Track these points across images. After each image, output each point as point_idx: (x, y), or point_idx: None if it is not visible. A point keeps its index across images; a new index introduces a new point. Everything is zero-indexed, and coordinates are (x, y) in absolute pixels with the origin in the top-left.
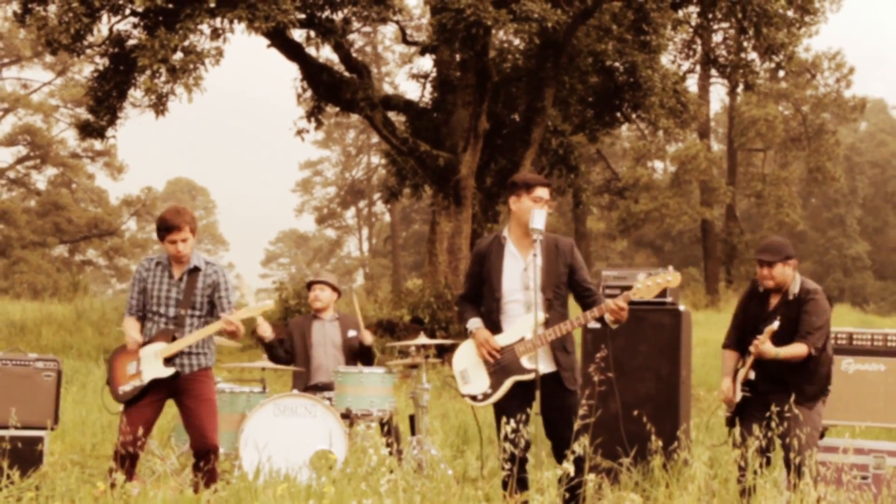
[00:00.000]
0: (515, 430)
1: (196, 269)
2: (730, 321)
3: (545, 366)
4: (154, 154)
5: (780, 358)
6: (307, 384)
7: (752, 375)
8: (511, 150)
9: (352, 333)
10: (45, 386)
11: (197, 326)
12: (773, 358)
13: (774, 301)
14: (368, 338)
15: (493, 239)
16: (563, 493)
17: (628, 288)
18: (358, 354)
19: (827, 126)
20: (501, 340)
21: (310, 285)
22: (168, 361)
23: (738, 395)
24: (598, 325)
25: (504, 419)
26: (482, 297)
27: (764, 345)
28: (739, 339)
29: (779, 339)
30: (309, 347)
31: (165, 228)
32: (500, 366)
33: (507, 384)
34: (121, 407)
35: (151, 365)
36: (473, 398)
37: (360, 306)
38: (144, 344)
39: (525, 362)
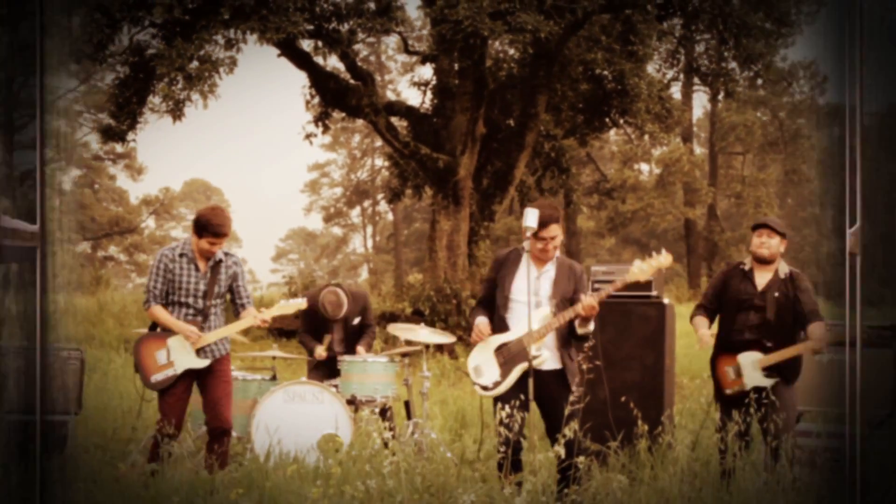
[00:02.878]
0: (511, 416)
1: (219, 262)
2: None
3: (553, 363)
4: (171, 156)
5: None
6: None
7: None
8: (506, 153)
9: (357, 321)
10: (69, 373)
11: (218, 315)
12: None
13: (764, 280)
14: (363, 353)
15: (512, 250)
16: (555, 475)
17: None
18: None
19: (802, 131)
20: (511, 335)
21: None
22: (199, 352)
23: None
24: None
25: (500, 404)
26: (494, 302)
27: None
28: (715, 310)
29: (776, 315)
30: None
31: (214, 234)
32: (509, 356)
33: (516, 372)
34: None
35: (184, 355)
36: (485, 388)
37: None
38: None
39: (532, 350)
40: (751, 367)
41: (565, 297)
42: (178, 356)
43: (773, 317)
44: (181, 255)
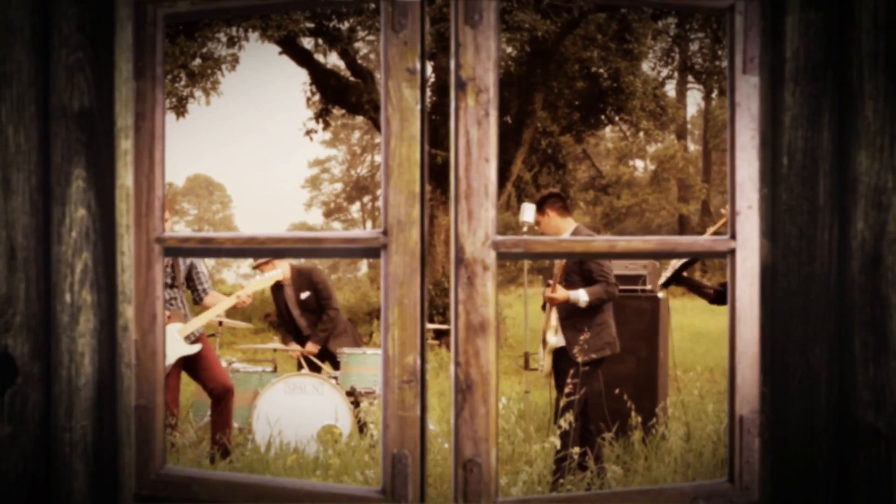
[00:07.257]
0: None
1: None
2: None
3: (559, 340)
4: (174, 152)
5: None
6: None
7: None
8: (503, 150)
9: (304, 295)
10: None
11: (182, 302)
12: None
13: None
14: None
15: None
16: (551, 465)
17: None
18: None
19: None
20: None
21: (260, 266)
22: (186, 338)
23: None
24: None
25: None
26: None
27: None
28: None
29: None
30: (290, 311)
31: None
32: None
33: (548, 357)
34: None
35: (173, 345)
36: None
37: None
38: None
39: (550, 337)
40: None
41: (572, 271)
42: (169, 346)
43: None
44: None
